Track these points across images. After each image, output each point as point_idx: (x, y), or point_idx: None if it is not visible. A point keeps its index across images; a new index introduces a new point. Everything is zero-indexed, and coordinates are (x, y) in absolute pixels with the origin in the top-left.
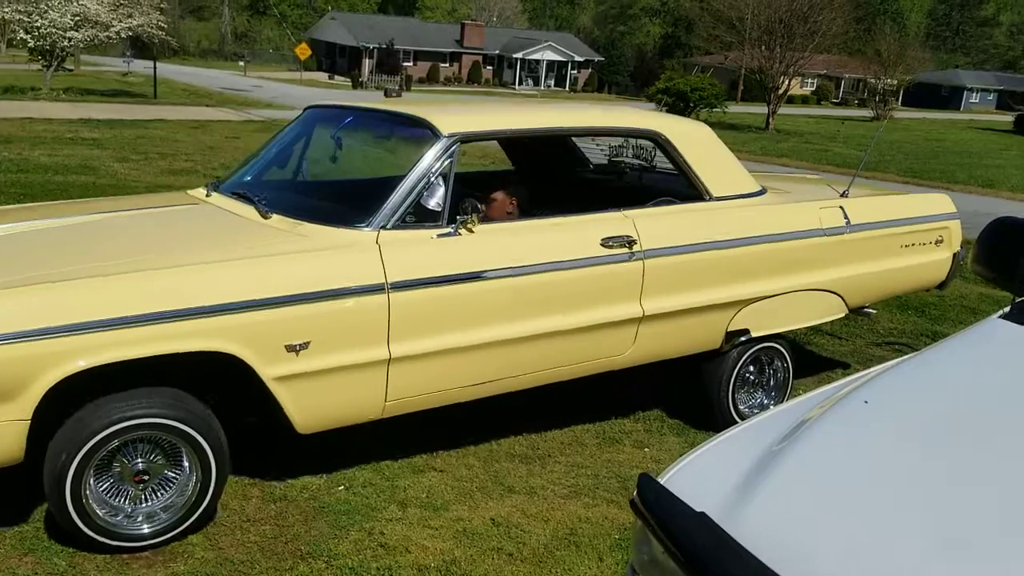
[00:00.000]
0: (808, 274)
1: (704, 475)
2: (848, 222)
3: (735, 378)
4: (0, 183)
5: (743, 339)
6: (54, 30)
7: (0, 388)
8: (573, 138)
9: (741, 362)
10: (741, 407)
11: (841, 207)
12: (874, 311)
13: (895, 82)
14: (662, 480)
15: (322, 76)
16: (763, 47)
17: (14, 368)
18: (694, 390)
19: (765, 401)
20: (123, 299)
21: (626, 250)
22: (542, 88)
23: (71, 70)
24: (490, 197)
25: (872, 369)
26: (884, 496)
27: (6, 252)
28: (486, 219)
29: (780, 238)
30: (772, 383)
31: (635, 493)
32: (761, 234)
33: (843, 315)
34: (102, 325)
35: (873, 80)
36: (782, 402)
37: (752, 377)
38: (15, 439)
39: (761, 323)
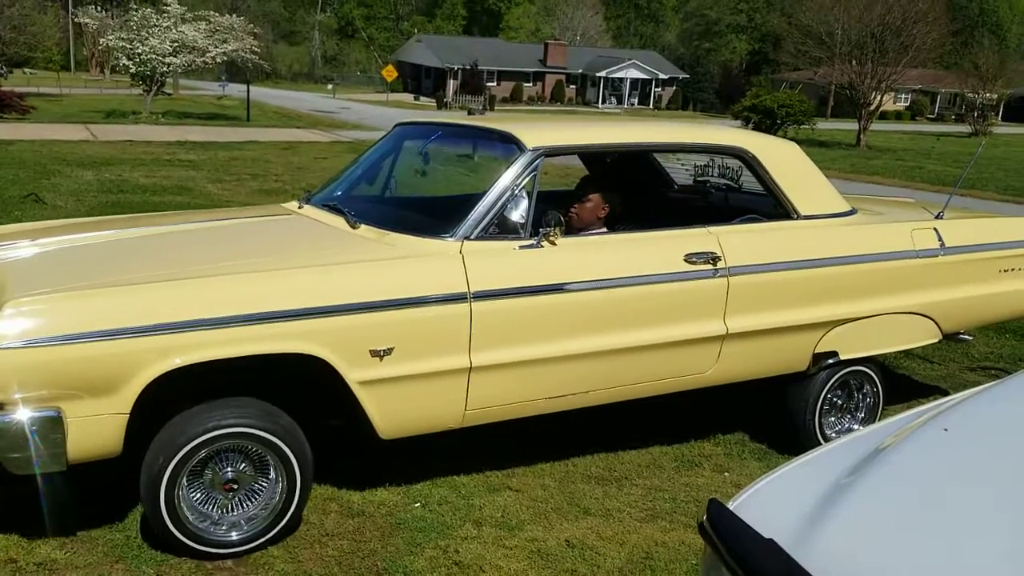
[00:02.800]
0: (900, 297)
1: (775, 501)
2: (942, 244)
3: (822, 402)
4: (100, 204)
5: (831, 362)
6: (154, 56)
7: (104, 382)
8: (657, 157)
9: (828, 386)
10: (828, 432)
11: (935, 229)
12: (971, 338)
13: (995, 96)
14: (731, 506)
15: (408, 97)
16: (854, 62)
17: (117, 363)
18: (779, 414)
19: (854, 427)
20: (218, 300)
21: (710, 267)
22: (625, 106)
23: (170, 94)
24: (585, 198)
25: (954, 396)
26: (960, 529)
27: (112, 255)
28: (576, 222)
29: (870, 259)
30: (861, 408)
31: (704, 518)
32: (850, 254)
33: (937, 340)
34: (198, 325)
35: (971, 94)
36: None
37: (840, 402)
38: (115, 431)
39: (850, 346)
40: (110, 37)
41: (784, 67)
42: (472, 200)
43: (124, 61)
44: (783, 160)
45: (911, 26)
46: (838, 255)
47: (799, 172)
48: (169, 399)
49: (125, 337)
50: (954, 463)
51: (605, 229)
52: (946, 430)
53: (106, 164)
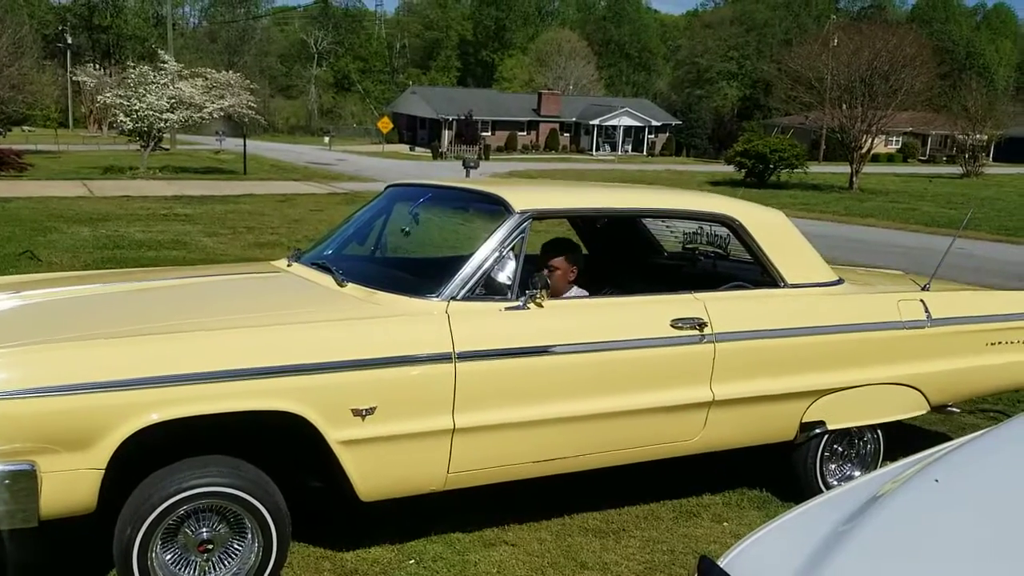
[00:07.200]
0: (887, 367)
1: (766, 557)
2: (929, 316)
3: (823, 450)
4: (96, 259)
5: (818, 431)
6: (151, 112)
7: (80, 436)
8: (646, 223)
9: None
10: (829, 480)
11: (922, 300)
12: (958, 410)
13: (985, 137)
14: (722, 563)
15: (403, 148)
16: (844, 106)
17: (93, 417)
18: (779, 462)
19: (856, 473)
20: (197, 356)
21: (696, 332)
22: (619, 153)
23: (167, 149)
24: (551, 265)
25: (947, 444)
26: None
27: (94, 309)
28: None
29: (856, 328)
30: (862, 454)
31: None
32: (836, 323)
33: (924, 412)
34: (176, 380)
35: (961, 136)
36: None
37: (841, 449)
38: (90, 487)
39: (837, 415)
40: (108, 94)
41: (775, 112)
42: (459, 261)
43: (122, 118)
44: (769, 228)
45: (899, 70)
46: (824, 324)
47: (785, 240)
48: (147, 455)
49: (101, 391)
50: (943, 515)
51: (582, 291)
52: (937, 480)
53: (103, 220)
